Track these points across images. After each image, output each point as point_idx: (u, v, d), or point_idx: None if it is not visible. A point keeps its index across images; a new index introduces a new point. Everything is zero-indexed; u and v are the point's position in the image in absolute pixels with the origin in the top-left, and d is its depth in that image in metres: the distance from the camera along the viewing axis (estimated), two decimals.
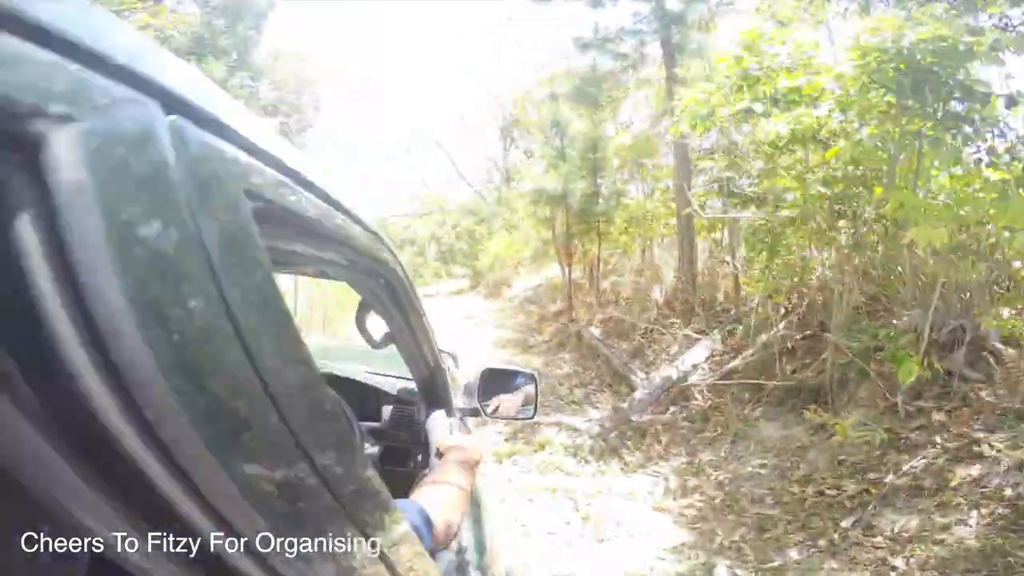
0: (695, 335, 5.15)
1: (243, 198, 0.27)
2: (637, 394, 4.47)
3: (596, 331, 6.40)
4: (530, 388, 1.37)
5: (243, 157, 0.29)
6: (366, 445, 1.25)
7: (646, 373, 5.08)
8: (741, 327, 4.68)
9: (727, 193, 5.40)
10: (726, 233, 5.97)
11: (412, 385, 1.25)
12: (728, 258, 5.76)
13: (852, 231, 3.44)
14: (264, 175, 0.31)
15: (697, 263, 6.09)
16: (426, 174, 16.50)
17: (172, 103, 0.24)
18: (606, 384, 5.43)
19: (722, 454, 3.77)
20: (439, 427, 1.12)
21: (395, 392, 1.42)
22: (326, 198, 0.43)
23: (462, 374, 2.47)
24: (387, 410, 1.36)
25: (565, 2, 6.86)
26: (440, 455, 1.00)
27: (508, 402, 1.35)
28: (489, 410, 1.32)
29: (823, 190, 3.44)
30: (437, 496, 0.80)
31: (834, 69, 3.16)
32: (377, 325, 0.89)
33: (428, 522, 0.69)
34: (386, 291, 0.76)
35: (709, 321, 5.39)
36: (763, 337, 4.30)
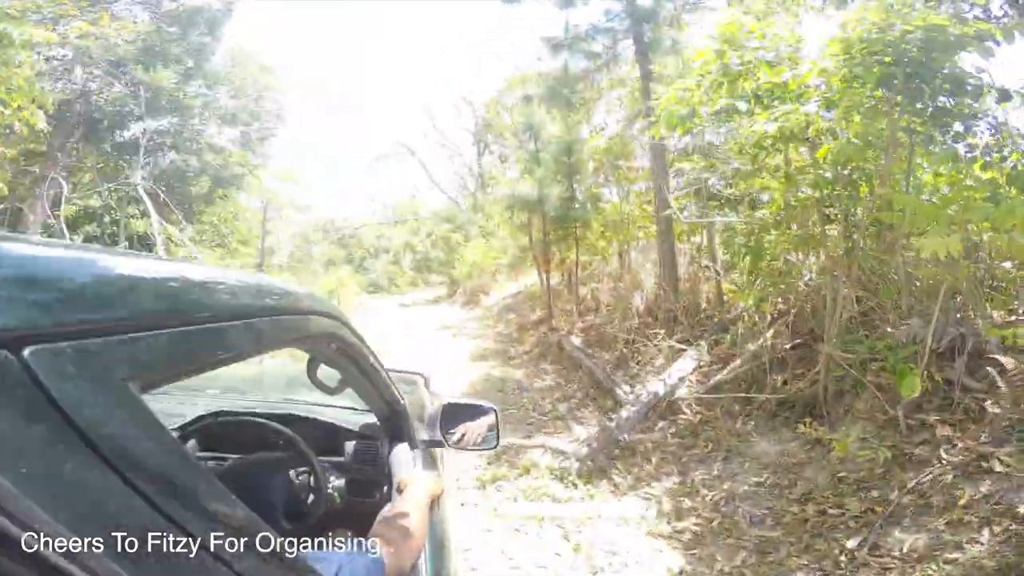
0: (680, 345, 4.97)
1: (114, 379, 0.31)
2: (624, 412, 4.26)
3: (577, 341, 6.20)
4: (491, 418, 1.43)
5: (130, 338, 0.33)
6: (330, 479, 1.27)
7: (631, 386, 4.87)
8: (728, 336, 4.49)
9: (707, 196, 5.26)
10: (706, 236, 5.82)
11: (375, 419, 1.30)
12: (709, 262, 5.60)
13: (845, 234, 3.28)
14: (158, 342, 0.35)
15: (678, 268, 5.91)
16: (404, 184, 16.40)
17: (22, 336, 0.26)
18: (590, 397, 5.23)
19: (715, 472, 3.58)
20: (402, 461, 1.17)
21: (358, 427, 1.44)
22: (271, 310, 0.53)
23: (435, 393, 2.24)
24: (349, 445, 1.39)
25: (536, 3, 6.67)
26: (400, 491, 1.02)
27: (471, 432, 1.40)
28: (452, 440, 1.37)
29: (810, 192, 3.29)
30: (391, 535, 0.81)
31: (817, 64, 3.01)
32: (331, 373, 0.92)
33: (380, 563, 0.69)
34: (338, 351, 0.82)
35: (693, 329, 5.20)
36: (751, 346, 4.13)
